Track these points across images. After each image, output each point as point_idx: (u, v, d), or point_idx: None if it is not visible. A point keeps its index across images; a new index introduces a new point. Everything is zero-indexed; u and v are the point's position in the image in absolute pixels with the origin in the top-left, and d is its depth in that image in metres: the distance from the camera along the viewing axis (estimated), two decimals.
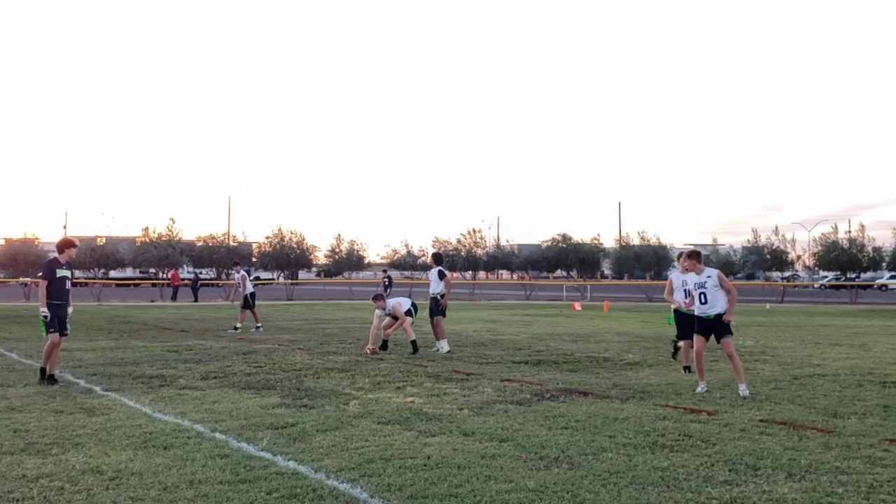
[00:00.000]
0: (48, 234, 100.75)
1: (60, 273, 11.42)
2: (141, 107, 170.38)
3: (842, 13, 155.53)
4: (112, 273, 59.50)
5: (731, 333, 10.53)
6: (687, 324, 11.72)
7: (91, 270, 55.71)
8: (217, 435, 7.67)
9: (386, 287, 42.12)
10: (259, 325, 21.96)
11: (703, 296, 10.59)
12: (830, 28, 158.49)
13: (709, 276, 10.65)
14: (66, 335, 11.73)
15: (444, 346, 15.75)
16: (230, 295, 23.93)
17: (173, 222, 56.50)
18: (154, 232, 55.96)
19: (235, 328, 21.61)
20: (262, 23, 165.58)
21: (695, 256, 10.98)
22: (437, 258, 17.15)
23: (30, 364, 13.46)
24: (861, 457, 6.77)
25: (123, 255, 56.67)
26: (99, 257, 55.36)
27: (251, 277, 29.08)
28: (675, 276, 12.57)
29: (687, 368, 12.39)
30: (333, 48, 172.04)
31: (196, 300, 44.56)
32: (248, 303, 21.99)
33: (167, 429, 7.97)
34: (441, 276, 16.26)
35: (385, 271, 48.20)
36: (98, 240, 60.98)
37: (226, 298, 42.91)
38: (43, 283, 11.22)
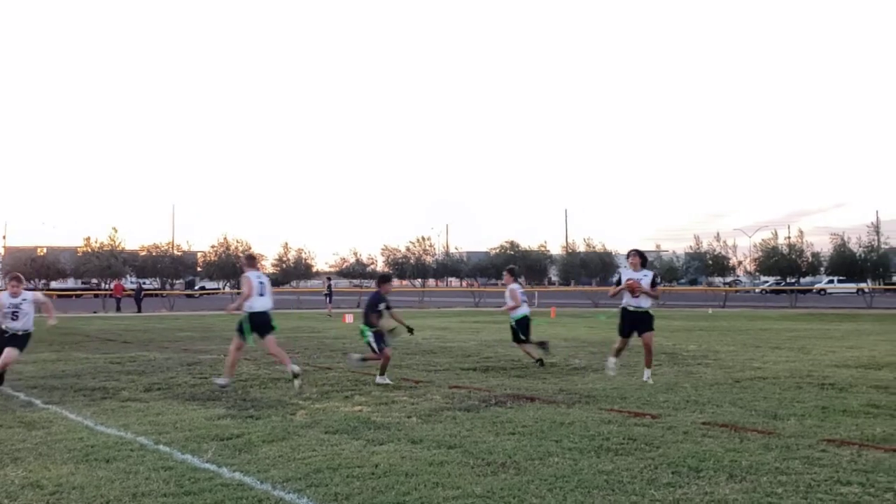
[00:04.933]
0: None
1: None
2: (81, 113, 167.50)
3: (777, 23, 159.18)
4: (53, 284, 58.22)
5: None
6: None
7: (31, 281, 54.52)
8: (161, 447, 7.58)
9: (328, 296, 41.86)
10: None
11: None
12: (767, 38, 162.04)
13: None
14: None
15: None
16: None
17: (116, 232, 55.49)
18: (96, 242, 54.89)
19: None
20: (201, 26, 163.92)
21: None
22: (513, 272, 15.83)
23: None
24: (800, 457, 6.93)
25: (65, 266, 55.53)
26: (39, 268, 54.17)
27: (196, 287, 28.83)
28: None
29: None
30: (275, 57, 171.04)
31: (140, 311, 43.90)
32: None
33: (109, 441, 7.84)
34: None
35: (329, 279, 47.92)
36: (39, 250, 59.62)
37: (169, 309, 42.33)
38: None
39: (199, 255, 61.08)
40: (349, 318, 31.60)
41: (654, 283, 12.08)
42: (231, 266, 56.13)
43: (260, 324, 11.80)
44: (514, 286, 15.16)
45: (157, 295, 54.85)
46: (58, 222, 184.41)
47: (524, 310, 15.07)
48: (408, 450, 7.38)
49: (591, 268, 62.70)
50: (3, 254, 73.42)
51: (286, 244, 58.93)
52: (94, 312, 43.22)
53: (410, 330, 12.82)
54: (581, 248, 65.19)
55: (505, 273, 16.15)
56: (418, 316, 35.60)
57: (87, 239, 55.29)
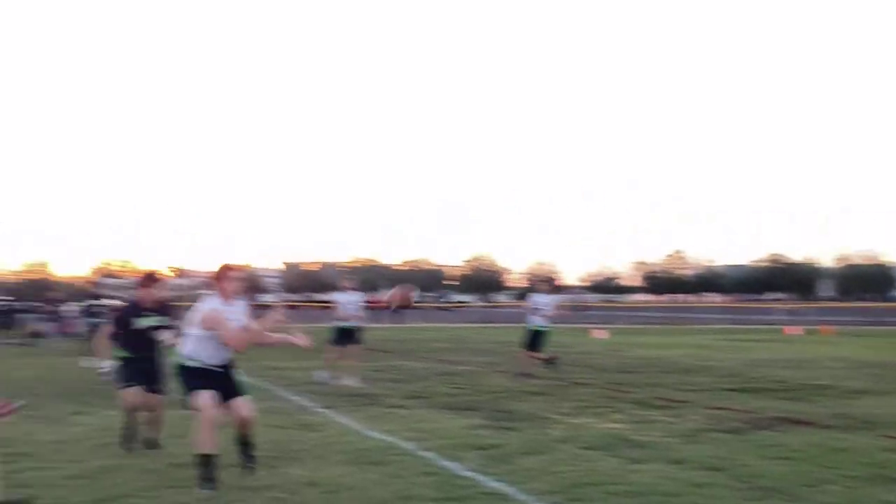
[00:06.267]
0: None
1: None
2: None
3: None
4: None
5: None
6: None
7: None
8: (424, 453, 7.84)
9: None
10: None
11: None
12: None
13: None
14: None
15: None
16: None
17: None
18: None
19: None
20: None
21: None
22: None
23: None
24: None
25: None
26: None
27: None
28: None
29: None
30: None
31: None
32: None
33: (377, 445, 8.23)
34: None
35: None
36: None
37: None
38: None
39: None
40: None
41: None
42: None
43: None
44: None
45: None
46: None
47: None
48: (668, 470, 7.16)
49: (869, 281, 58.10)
50: None
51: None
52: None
53: None
54: (857, 259, 60.62)
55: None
56: (672, 333, 34.63)
57: None
